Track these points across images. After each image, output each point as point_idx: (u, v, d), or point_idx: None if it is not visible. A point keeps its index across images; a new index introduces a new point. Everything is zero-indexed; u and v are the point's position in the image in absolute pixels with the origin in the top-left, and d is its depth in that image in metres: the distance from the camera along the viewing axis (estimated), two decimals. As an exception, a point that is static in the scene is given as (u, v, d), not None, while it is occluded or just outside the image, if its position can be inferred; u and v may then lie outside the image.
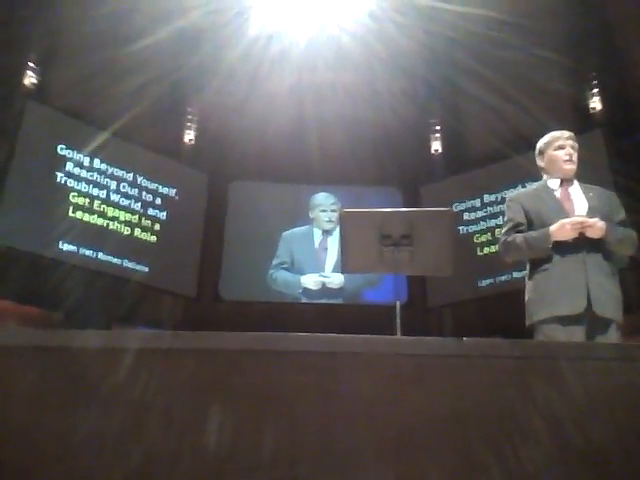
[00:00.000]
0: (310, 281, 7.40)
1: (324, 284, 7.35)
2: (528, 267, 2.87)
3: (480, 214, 7.62)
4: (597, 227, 2.64)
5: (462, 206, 7.71)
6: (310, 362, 1.44)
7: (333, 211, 7.67)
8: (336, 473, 1.34)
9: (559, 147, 2.91)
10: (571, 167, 2.88)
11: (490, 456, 1.35)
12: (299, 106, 7.35)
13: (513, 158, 6.72)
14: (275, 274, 7.50)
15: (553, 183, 2.92)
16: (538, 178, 3.05)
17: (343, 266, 2.99)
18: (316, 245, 7.60)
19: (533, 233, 2.79)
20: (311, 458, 1.35)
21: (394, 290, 5.86)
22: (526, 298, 2.81)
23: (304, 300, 7.42)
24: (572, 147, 2.91)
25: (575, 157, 2.90)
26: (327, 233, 7.60)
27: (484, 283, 7.23)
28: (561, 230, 2.68)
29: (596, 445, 1.37)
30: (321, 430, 1.38)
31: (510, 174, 6.99)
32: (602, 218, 2.69)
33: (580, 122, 6.92)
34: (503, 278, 7.01)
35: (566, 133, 2.95)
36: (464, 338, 1.49)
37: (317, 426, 1.38)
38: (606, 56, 6.83)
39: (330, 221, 7.63)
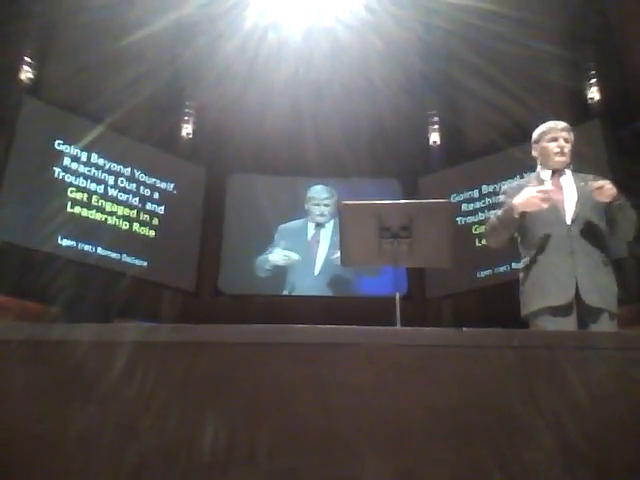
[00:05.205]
0: (277, 257, 7.44)
1: (290, 258, 7.40)
2: (521, 259, 2.88)
3: (478, 205, 7.61)
4: (606, 189, 2.60)
5: (460, 197, 7.71)
6: (310, 354, 1.44)
7: (326, 205, 7.68)
8: (335, 465, 1.34)
9: (552, 139, 2.91)
10: (561, 160, 2.87)
11: (489, 446, 1.36)
12: (296, 98, 7.33)
13: (511, 149, 6.71)
14: (256, 259, 7.54)
15: (545, 174, 2.92)
16: (535, 169, 3.06)
17: (342, 259, 2.99)
18: (309, 238, 7.61)
19: (502, 209, 2.84)
20: (310, 450, 1.36)
21: (393, 282, 5.86)
22: (520, 289, 2.82)
23: (300, 289, 7.43)
24: (565, 139, 2.90)
25: (567, 149, 2.89)
26: (320, 226, 7.61)
27: (483, 274, 7.23)
28: (527, 200, 2.68)
29: (595, 435, 1.37)
30: (320, 422, 1.38)
31: (508, 165, 6.98)
32: (593, 207, 2.69)
33: (578, 112, 6.92)
34: (502, 269, 7.01)
35: (561, 124, 2.94)
36: (463, 328, 1.49)
37: (316, 418, 1.39)
38: (604, 46, 6.82)
39: (322, 215, 7.66)
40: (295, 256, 7.43)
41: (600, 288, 2.62)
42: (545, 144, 2.92)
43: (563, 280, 2.61)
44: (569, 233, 2.67)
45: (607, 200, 2.63)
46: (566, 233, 2.68)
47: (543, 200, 2.64)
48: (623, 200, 2.69)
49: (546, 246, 2.71)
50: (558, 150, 2.88)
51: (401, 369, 1.43)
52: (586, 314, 2.59)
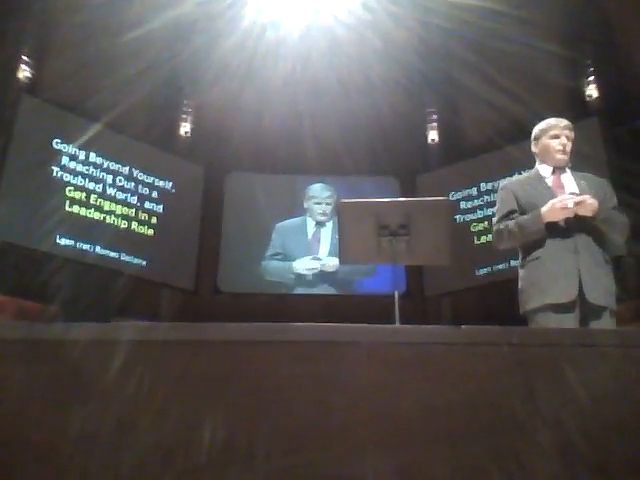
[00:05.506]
0: (302, 267, 7.40)
1: (316, 269, 7.35)
2: (520, 256, 2.85)
3: (477, 203, 7.63)
4: (588, 203, 2.60)
5: (459, 195, 7.72)
6: (309, 352, 1.44)
7: (327, 204, 7.66)
8: (335, 463, 1.34)
9: (554, 136, 2.88)
10: (563, 157, 2.85)
11: (488, 444, 1.35)
12: (294, 97, 7.33)
13: (509, 147, 6.71)
14: (266, 263, 7.50)
15: (545, 171, 2.90)
16: (533, 166, 3.04)
17: (340, 257, 2.99)
18: (309, 236, 7.59)
19: (525, 217, 2.77)
20: (309, 448, 1.35)
21: (392, 280, 5.86)
22: (519, 286, 2.80)
23: (299, 289, 7.42)
24: (567, 137, 2.88)
25: (569, 148, 2.87)
26: (321, 224, 7.60)
27: (481, 272, 7.24)
28: (552, 210, 2.66)
29: (595, 434, 1.37)
30: (320, 420, 1.38)
31: (507, 163, 6.98)
32: None
33: (576, 110, 6.91)
34: (500, 267, 7.02)
35: (563, 122, 2.91)
36: (462, 326, 1.49)
37: (316, 416, 1.38)
38: (602, 44, 6.82)
39: (324, 214, 7.63)
40: (321, 263, 7.41)
41: (603, 286, 2.62)
42: (547, 141, 2.90)
43: (566, 278, 2.59)
44: (571, 231, 2.67)
45: (589, 215, 2.63)
46: (568, 230, 2.67)
47: (564, 209, 2.63)
48: (608, 211, 2.69)
49: (548, 244, 2.69)
50: (560, 148, 2.85)
51: (400, 367, 1.43)
52: (588, 312, 2.58)
